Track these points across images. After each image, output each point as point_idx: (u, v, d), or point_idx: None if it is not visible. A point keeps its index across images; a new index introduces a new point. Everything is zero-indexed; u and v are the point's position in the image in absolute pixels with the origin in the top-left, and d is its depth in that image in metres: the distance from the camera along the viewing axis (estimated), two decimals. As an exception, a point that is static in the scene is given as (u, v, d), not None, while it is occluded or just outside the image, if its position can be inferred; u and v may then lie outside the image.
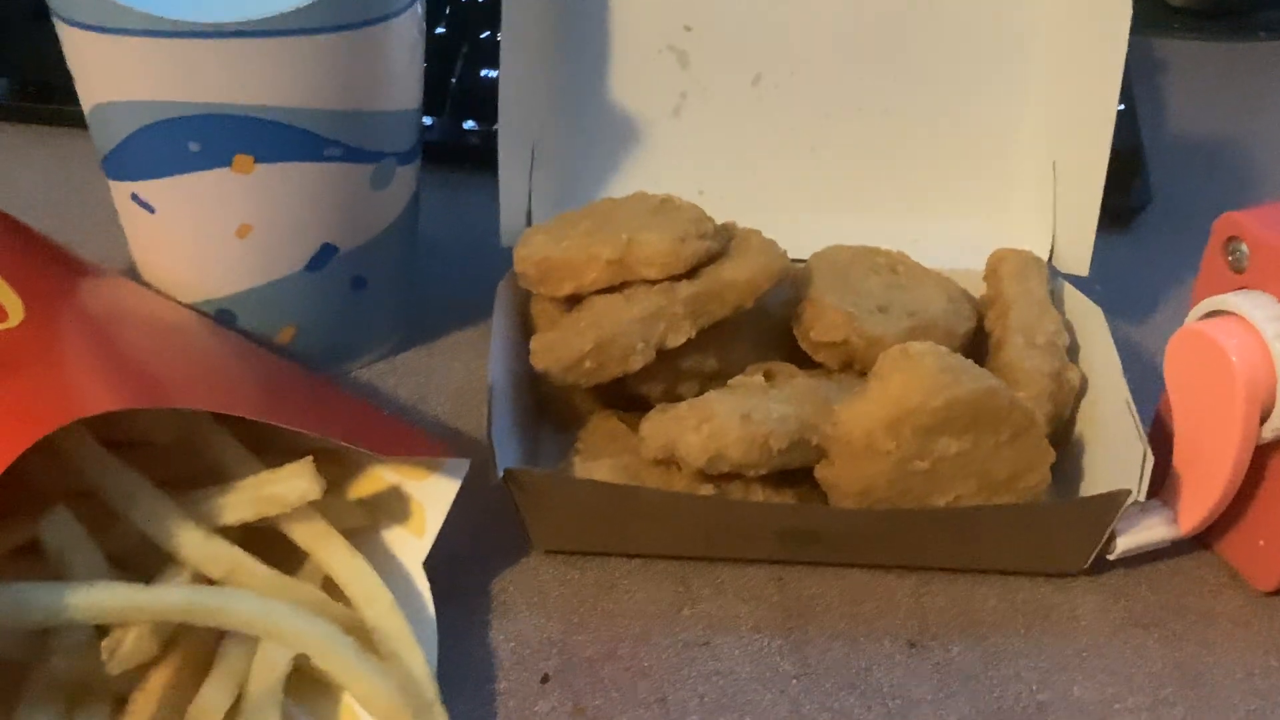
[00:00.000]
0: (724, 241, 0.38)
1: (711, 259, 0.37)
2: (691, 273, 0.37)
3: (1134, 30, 0.66)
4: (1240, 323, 0.34)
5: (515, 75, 0.41)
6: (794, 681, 0.34)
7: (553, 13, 0.42)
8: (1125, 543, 0.36)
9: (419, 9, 0.39)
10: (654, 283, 0.37)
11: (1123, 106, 0.54)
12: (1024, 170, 0.44)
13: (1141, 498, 0.34)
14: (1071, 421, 0.38)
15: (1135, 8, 0.68)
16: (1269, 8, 0.69)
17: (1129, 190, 0.52)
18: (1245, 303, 0.34)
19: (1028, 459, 0.35)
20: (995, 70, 0.43)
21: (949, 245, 0.43)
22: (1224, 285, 0.35)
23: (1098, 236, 0.42)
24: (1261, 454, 0.35)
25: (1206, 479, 0.35)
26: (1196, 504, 0.36)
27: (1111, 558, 0.36)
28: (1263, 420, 0.33)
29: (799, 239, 0.41)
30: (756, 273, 0.37)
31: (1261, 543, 0.36)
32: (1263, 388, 0.33)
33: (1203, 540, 0.37)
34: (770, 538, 0.35)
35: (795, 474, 0.36)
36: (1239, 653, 0.35)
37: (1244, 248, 0.35)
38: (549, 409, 0.39)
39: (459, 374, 0.42)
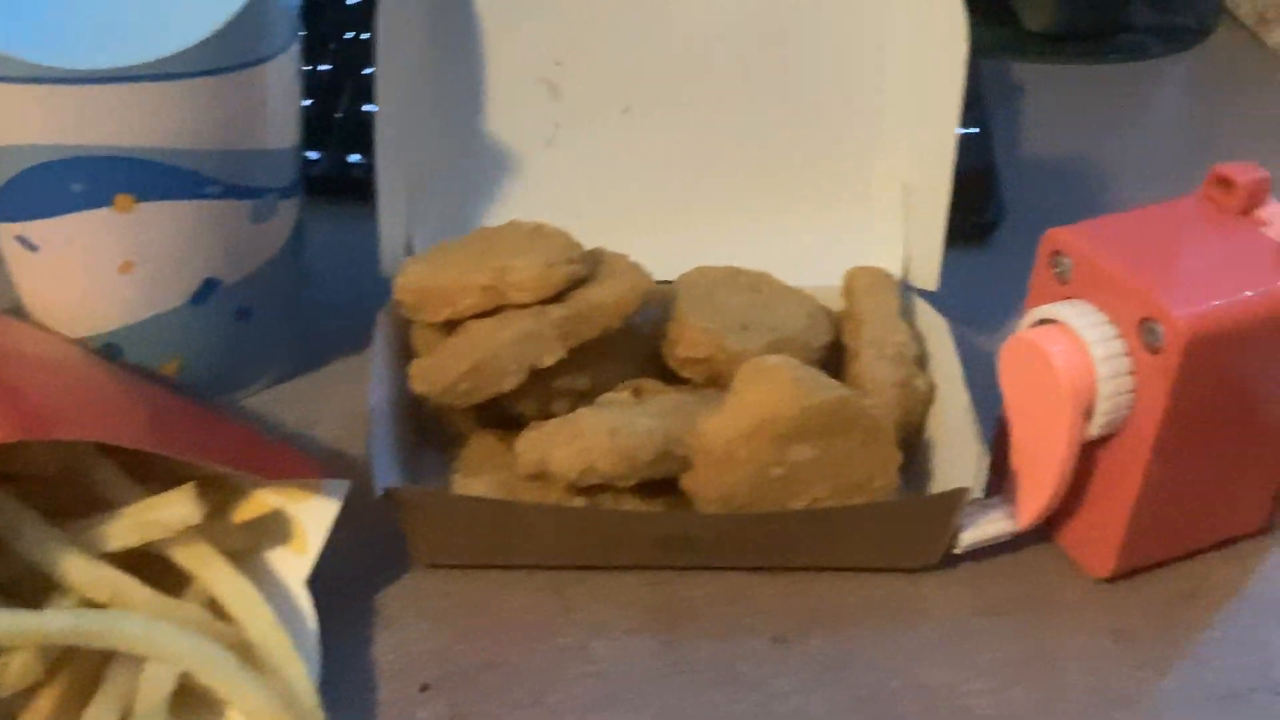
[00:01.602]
0: (592, 266, 0.40)
1: (580, 283, 0.39)
2: (561, 296, 0.39)
3: (992, 54, 0.71)
4: (1064, 330, 0.37)
5: (391, 110, 0.43)
6: (665, 679, 0.36)
7: (427, 49, 0.44)
8: (969, 537, 0.39)
9: (295, 51, 0.40)
10: (526, 307, 0.39)
11: (977, 129, 0.57)
12: (879, 192, 0.47)
13: (980, 495, 0.37)
14: (921, 426, 0.41)
15: (994, 33, 0.73)
16: (1119, 32, 0.73)
17: (984, 208, 0.55)
18: (1068, 311, 0.37)
19: (877, 462, 0.38)
20: (851, 98, 0.46)
21: (810, 264, 0.45)
22: (1051, 296, 0.38)
23: (955, 252, 0.45)
24: (1089, 450, 0.38)
25: (1040, 475, 0.38)
26: (1033, 499, 0.38)
27: (958, 552, 0.39)
28: (1087, 419, 0.36)
29: (669, 260, 0.43)
30: (623, 295, 0.39)
31: (1094, 533, 0.39)
32: (1085, 389, 0.36)
33: (1045, 533, 0.40)
34: (644, 544, 0.38)
35: (663, 484, 0.38)
36: (1078, 636, 0.38)
37: (1067, 261, 0.38)
38: (431, 430, 0.41)
39: (345, 399, 0.44)
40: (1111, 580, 0.39)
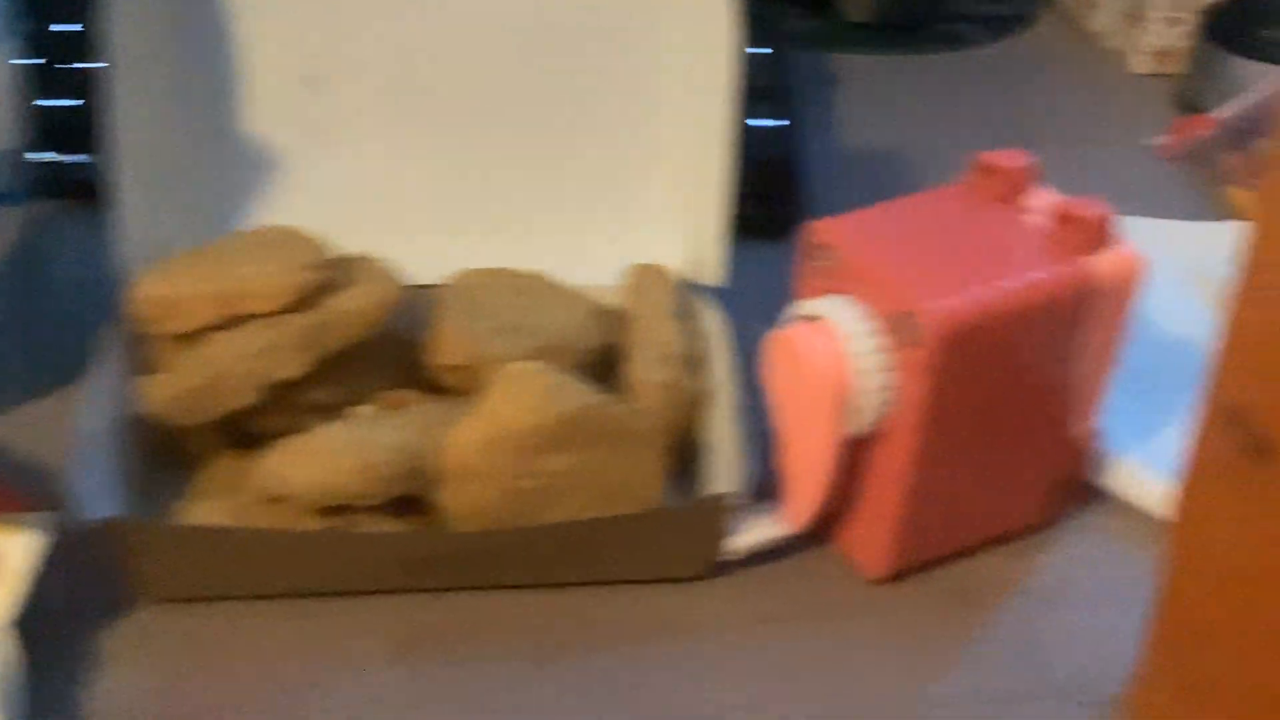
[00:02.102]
0: (340, 272, 0.37)
1: (325, 290, 0.37)
2: (305, 305, 0.37)
3: (811, 45, 0.70)
4: (822, 326, 0.35)
5: (128, 108, 0.40)
6: (418, 711, 0.34)
7: (168, 42, 0.41)
8: (740, 543, 0.37)
9: (6, 55, 0.37)
10: (269, 317, 0.36)
11: (785, 121, 0.56)
12: (661, 188, 0.45)
13: (746, 499, 0.35)
14: (694, 429, 0.40)
15: (813, 24, 0.72)
16: (940, 21, 0.73)
17: (788, 201, 0.54)
18: (826, 306, 0.35)
19: (639, 470, 0.36)
20: (627, 92, 0.44)
21: (596, 263, 0.44)
22: (816, 290, 0.37)
23: (758, 246, 0.44)
24: (857, 449, 0.36)
25: (807, 476, 0.37)
26: (802, 501, 0.37)
27: (731, 559, 0.37)
28: (848, 416, 0.35)
29: (442, 262, 0.41)
30: (371, 302, 0.37)
31: (867, 534, 0.38)
32: (843, 386, 0.35)
33: (822, 535, 0.39)
34: (391, 568, 0.35)
35: (417, 501, 0.36)
36: (853, 640, 0.37)
37: (828, 254, 0.36)
38: (169, 452, 0.38)
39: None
40: (887, 581, 0.38)
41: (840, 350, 0.35)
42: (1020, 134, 0.64)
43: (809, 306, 0.36)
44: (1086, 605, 0.38)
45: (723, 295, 0.43)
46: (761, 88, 0.57)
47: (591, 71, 0.44)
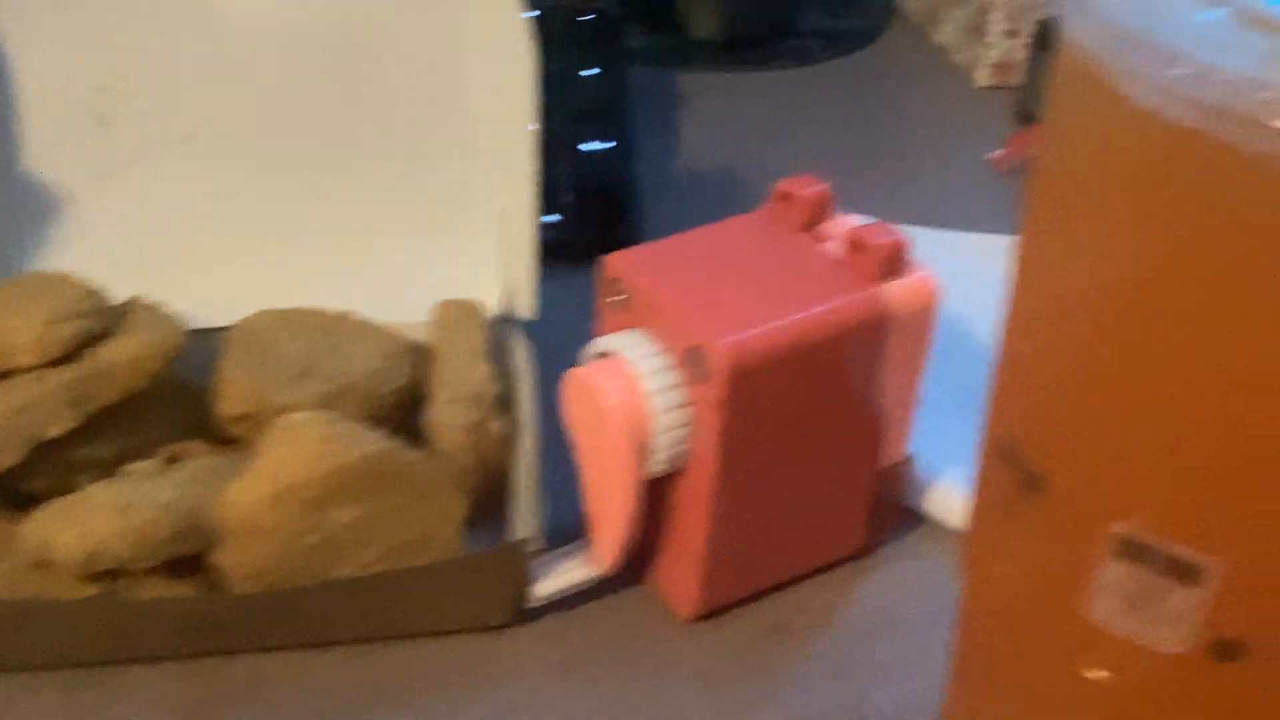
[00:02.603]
0: (111, 319, 0.36)
1: (96, 339, 0.35)
2: (74, 356, 0.35)
3: (656, 64, 0.70)
4: (617, 362, 0.34)
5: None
6: (199, 782, 0.32)
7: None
8: (545, 588, 0.36)
9: None
10: (33, 370, 0.34)
11: (613, 144, 0.55)
12: (475, 220, 0.44)
13: (544, 543, 0.34)
14: (504, 471, 0.38)
15: (658, 42, 0.71)
16: (786, 38, 0.73)
17: (617, 225, 0.53)
18: (621, 343, 0.34)
19: (434, 518, 0.35)
20: (435, 122, 0.43)
21: (411, 299, 0.42)
22: (614, 325, 0.36)
23: (582, 276, 0.43)
24: (661, 486, 0.36)
25: (611, 517, 0.36)
26: (608, 542, 0.36)
27: (536, 604, 0.36)
28: (646, 455, 0.34)
29: (238, 304, 0.40)
30: (145, 351, 0.35)
31: (677, 572, 0.37)
32: (639, 425, 0.34)
33: (635, 574, 0.38)
34: (168, 633, 0.34)
35: (199, 560, 0.34)
36: (664, 682, 0.36)
37: (622, 287, 0.35)
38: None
39: None
40: (701, 619, 0.37)
41: (633, 388, 0.34)
42: (866, 149, 0.65)
43: (603, 343, 0.35)
44: (904, 633, 0.38)
45: (547, 326, 0.42)
46: (591, 110, 0.56)
47: (392, 106, 0.42)
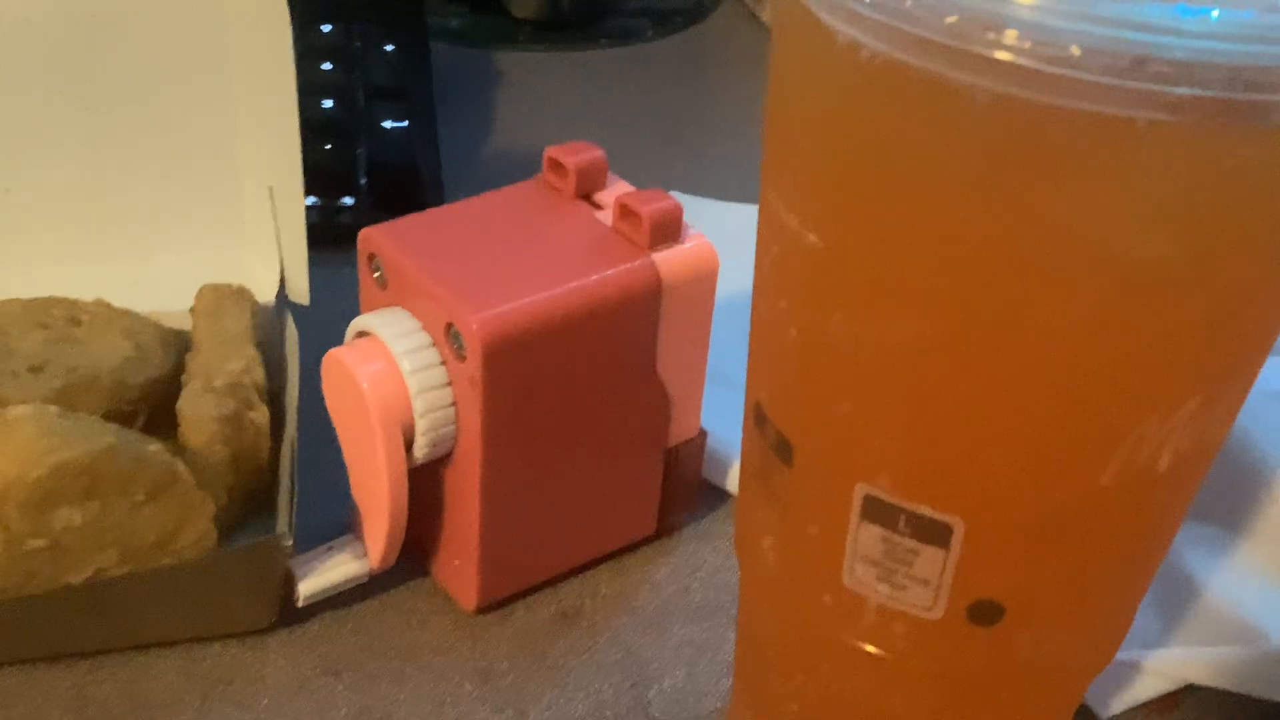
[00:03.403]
0: None
1: None
2: None
3: (477, 44, 0.67)
4: (374, 343, 0.32)
5: None
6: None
7: None
8: (310, 587, 0.34)
9: None
10: None
11: (405, 123, 0.53)
12: (250, 202, 0.41)
13: (289, 539, 0.32)
14: (268, 464, 0.36)
15: (482, 21, 0.69)
16: (610, 17, 0.71)
17: (415, 207, 0.50)
18: (379, 322, 0.32)
19: (178, 516, 0.32)
20: (203, 102, 0.40)
21: (174, 286, 0.40)
22: (375, 303, 0.34)
23: None
24: (433, 473, 0.34)
25: (377, 508, 0.33)
26: (377, 536, 0.34)
27: (301, 604, 0.34)
28: (409, 440, 0.32)
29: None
30: None
31: (457, 562, 0.35)
32: (399, 408, 0.32)
33: (421, 566, 0.36)
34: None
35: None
36: (432, 683, 0.34)
37: (380, 264, 0.33)
38: None
39: None
40: (485, 611, 0.35)
41: (391, 369, 0.32)
42: (684, 126, 0.64)
43: (361, 322, 0.33)
44: (697, 617, 0.36)
45: (335, 311, 0.39)
46: (390, 87, 0.54)
47: (154, 90, 0.39)
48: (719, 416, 0.38)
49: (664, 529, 0.38)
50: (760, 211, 0.25)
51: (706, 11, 0.74)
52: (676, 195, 0.34)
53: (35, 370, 0.34)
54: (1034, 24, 0.18)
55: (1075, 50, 0.18)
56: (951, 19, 0.18)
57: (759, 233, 0.25)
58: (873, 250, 0.22)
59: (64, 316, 0.37)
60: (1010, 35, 0.18)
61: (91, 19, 0.39)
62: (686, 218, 0.34)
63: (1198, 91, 0.18)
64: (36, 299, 0.37)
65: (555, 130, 0.60)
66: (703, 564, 0.38)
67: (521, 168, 0.57)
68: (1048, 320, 0.21)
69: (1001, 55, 0.18)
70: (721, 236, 0.35)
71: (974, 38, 0.18)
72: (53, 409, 0.31)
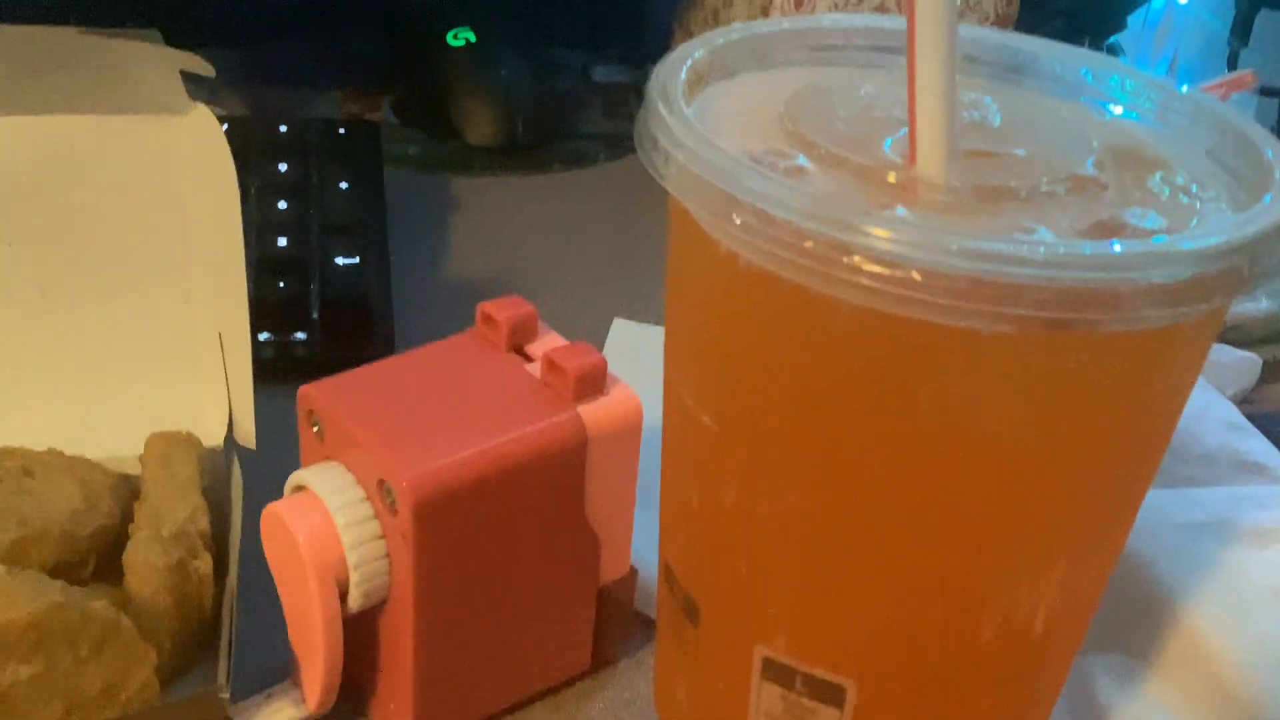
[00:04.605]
0: None
1: None
2: None
3: (433, 170, 0.70)
4: (310, 498, 0.34)
5: None
6: None
7: None
8: (250, 733, 0.35)
9: None
10: None
11: (356, 259, 0.54)
12: (201, 346, 0.43)
13: (225, 689, 0.33)
14: (213, 611, 0.37)
15: (438, 148, 0.71)
16: (563, 141, 0.74)
17: (366, 341, 0.52)
18: (315, 477, 0.34)
19: (122, 667, 0.33)
20: (151, 248, 0.42)
21: (123, 430, 0.41)
22: (314, 456, 0.35)
23: None
24: (369, 620, 0.35)
25: (314, 655, 0.34)
26: (314, 681, 0.35)
27: (242, 751, 0.35)
28: (342, 591, 0.33)
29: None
30: None
31: (393, 705, 0.36)
32: (333, 560, 0.33)
33: (359, 709, 0.37)
34: None
35: None
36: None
37: (319, 418, 0.35)
38: None
39: None
40: (422, 753, 0.36)
41: (326, 524, 0.33)
42: (638, 250, 0.66)
43: (298, 477, 0.34)
44: (632, 752, 0.37)
45: (281, 452, 0.40)
46: (343, 223, 0.56)
47: (98, 228, 0.41)
48: (654, 547, 0.39)
49: (599, 662, 0.39)
50: (664, 386, 0.27)
51: (657, 133, 0.76)
52: (625, 322, 0.36)
53: (-15, 524, 0.36)
54: (881, 251, 0.20)
55: (916, 275, 0.19)
56: (809, 244, 0.20)
57: (664, 404, 0.27)
58: (757, 434, 0.24)
59: (16, 468, 0.38)
60: (861, 260, 0.20)
61: (46, 166, 0.41)
62: (636, 344, 0.35)
63: (1031, 312, 0.20)
64: (-12, 450, 0.38)
65: (509, 256, 0.62)
66: (638, 695, 0.39)
67: (472, 297, 0.59)
68: (917, 495, 0.23)
69: (855, 278, 0.20)
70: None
71: (830, 260, 0.20)
72: (0, 568, 0.32)
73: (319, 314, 0.51)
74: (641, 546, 0.39)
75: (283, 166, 0.57)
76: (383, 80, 0.76)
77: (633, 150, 0.86)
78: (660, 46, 0.79)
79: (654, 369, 0.36)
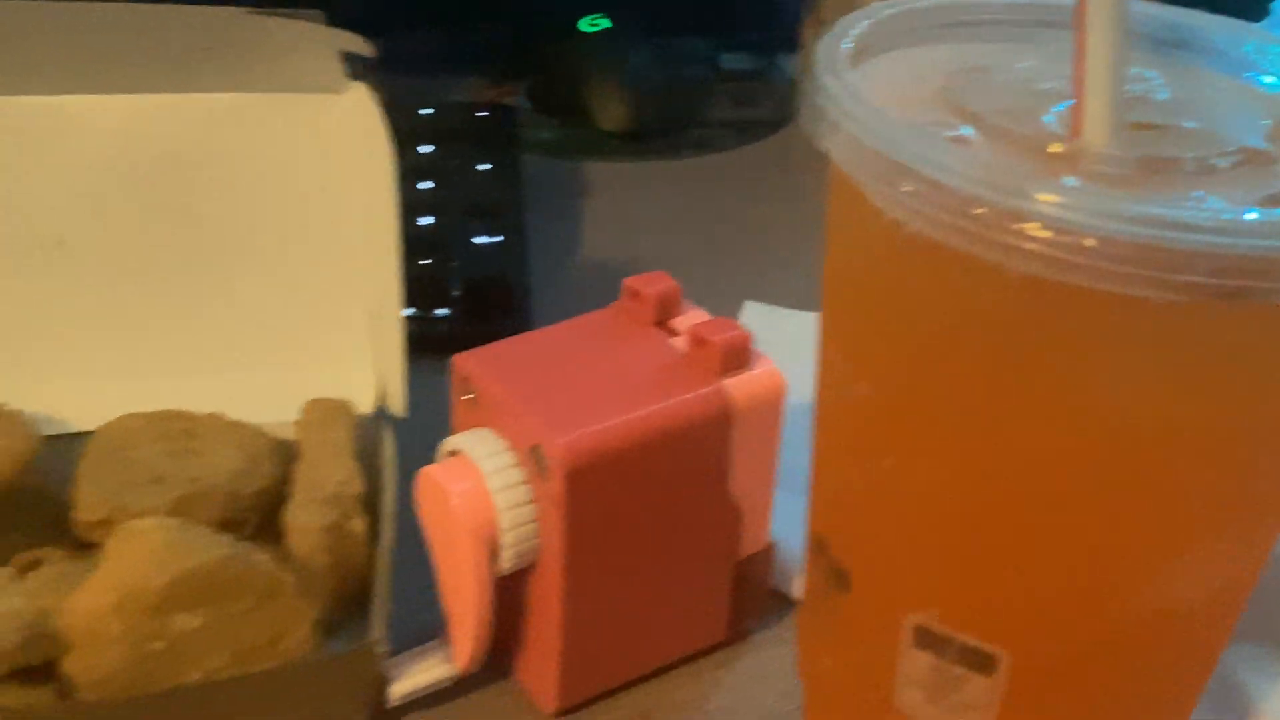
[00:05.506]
0: (-37, 429, 0.36)
1: (-53, 449, 0.35)
2: (-75, 467, 0.35)
3: (565, 156, 0.71)
4: (464, 462, 0.35)
5: None
6: None
7: None
8: (402, 689, 0.36)
9: None
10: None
11: (500, 238, 0.56)
12: (346, 318, 0.44)
13: (385, 644, 0.35)
14: (368, 570, 0.39)
15: (569, 134, 0.73)
16: (693, 127, 0.75)
17: (506, 318, 0.53)
18: (468, 441, 0.35)
19: (283, 620, 0.35)
20: (307, 223, 0.44)
21: (279, 398, 0.43)
22: (465, 423, 0.36)
23: None
24: (518, 581, 0.36)
25: (465, 614, 0.36)
26: (464, 640, 0.36)
27: (394, 705, 0.36)
28: (494, 553, 0.35)
29: (110, 406, 0.40)
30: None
31: (538, 666, 0.37)
32: (485, 523, 0.34)
33: (503, 669, 0.38)
34: (13, 743, 0.33)
35: (49, 669, 0.34)
36: (516, 781, 0.36)
37: (470, 386, 0.36)
38: None
39: None
40: (565, 713, 0.37)
41: (479, 487, 0.34)
42: (765, 235, 0.66)
43: (452, 442, 0.35)
44: (766, 722, 0.38)
45: (432, 420, 0.42)
46: (484, 204, 0.57)
47: (259, 210, 0.43)
48: (789, 525, 0.39)
49: (734, 635, 0.40)
50: (820, 355, 0.27)
51: (784, 122, 0.77)
52: (755, 304, 0.36)
53: (156, 481, 0.38)
54: (1052, 217, 0.20)
55: (1088, 241, 0.20)
56: (979, 211, 0.20)
57: (819, 377, 0.28)
58: (917, 402, 0.24)
59: (182, 429, 0.40)
60: (1032, 227, 0.20)
61: (208, 144, 0.43)
62: (766, 327, 0.36)
63: (1202, 280, 0.20)
64: (157, 413, 0.40)
65: (639, 239, 0.63)
66: (770, 670, 0.40)
67: (609, 277, 0.60)
68: (1078, 465, 0.23)
69: (1024, 244, 0.20)
70: (802, 345, 0.37)
71: (1000, 226, 0.20)
72: (174, 522, 0.34)
73: (461, 291, 0.53)
74: (777, 524, 0.39)
75: (425, 149, 0.59)
76: (518, 67, 0.78)
77: (760, 137, 0.86)
78: (788, 35, 0.80)
79: (786, 351, 0.37)
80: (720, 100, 0.77)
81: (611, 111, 0.72)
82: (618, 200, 0.67)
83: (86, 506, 0.36)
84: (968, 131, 0.23)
